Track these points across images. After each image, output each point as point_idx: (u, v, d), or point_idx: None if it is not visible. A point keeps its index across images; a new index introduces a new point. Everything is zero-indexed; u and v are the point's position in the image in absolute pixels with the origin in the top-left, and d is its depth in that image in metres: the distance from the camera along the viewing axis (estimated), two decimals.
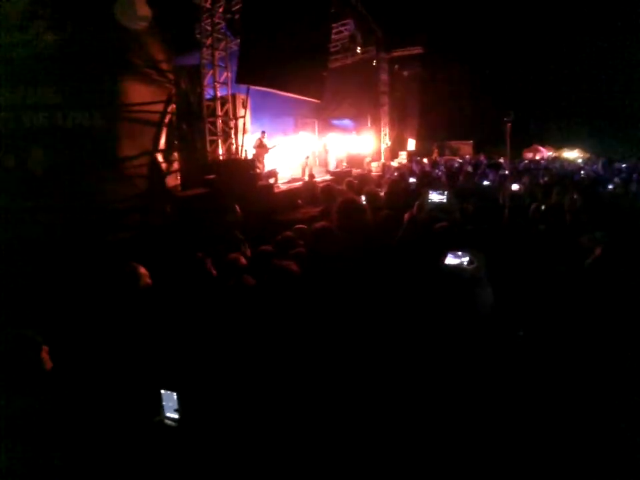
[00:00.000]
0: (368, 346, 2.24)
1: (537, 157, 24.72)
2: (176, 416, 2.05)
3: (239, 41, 10.98)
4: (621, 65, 25.42)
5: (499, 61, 25.77)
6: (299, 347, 2.21)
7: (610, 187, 8.35)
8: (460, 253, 2.28)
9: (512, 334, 2.63)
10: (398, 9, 17.91)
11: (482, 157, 19.46)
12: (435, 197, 3.33)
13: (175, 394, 2.04)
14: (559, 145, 27.89)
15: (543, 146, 27.91)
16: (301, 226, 4.41)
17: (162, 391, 2.06)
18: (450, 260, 2.27)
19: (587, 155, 24.57)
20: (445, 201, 3.32)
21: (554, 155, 26.35)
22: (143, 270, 2.83)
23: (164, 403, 2.07)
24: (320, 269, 2.61)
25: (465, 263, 2.27)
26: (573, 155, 26.05)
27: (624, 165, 14.17)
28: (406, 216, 3.45)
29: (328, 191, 5.93)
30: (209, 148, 10.69)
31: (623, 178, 9.75)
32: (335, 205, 3.39)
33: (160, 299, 2.68)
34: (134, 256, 3.13)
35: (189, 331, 2.43)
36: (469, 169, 13.23)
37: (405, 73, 22.05)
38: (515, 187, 5.85)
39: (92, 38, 7.15)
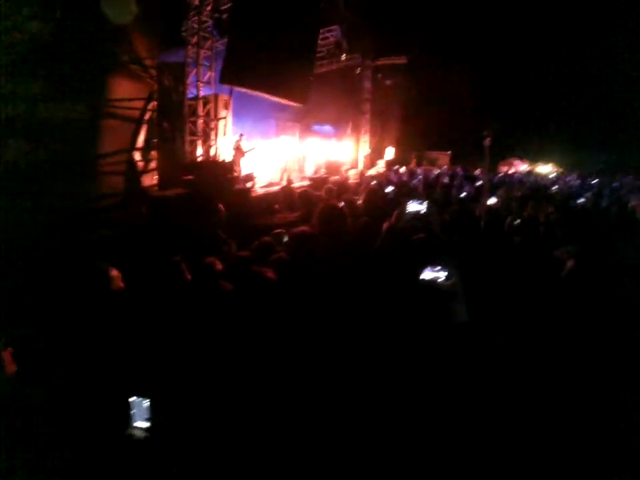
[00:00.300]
0: (345, 354, 2.24)
1: (512, 171, 25.24)
2: (146, 425, 2.00)
3: (225, 40, 10.93)
4: (607, 80, 26.25)
5: (482, 75, 26.28)
6: (276, 355, 2.19)
7: (580, 200, 8.54)
8: (438, 268, 2.30)
9: (490, 345, 2.66)
10: (385, 17, 18.11)
11: (459, 169, 19.78)
12: (414, 206, 3.34)
13: (145, 401, 1.99)
14: (537, 158, 28.63)
15: (520, 159, 28.58)
16: (279, 230, 4.39)
17: (131, 399, 2.00)
18: (427, 274, 2.28)
19: (561, 170, 25.32)
20: (423, 210, 3.34)
21: (528, 168, 27.04)
22: (115, 272, 2.74)
23: (133, 412, 2.01)
24: (299, 275, 2.59)
25: (443, 278, 2.29)
26: (546, 169, 26.80)
27: (595, 181, 14.63)
28: (385, 225, 3.46)
29: (305, 196, 5.93)
30: (188, 148, 10.56)
31: (594, 193, 10.04)
32: (315, 210, 3.39)
33: (133, 303, 2.62)
34: (108, 257, 3.04)
35: (161, 337, 2.37)
36: (446, 179, 13.39)
37: (388, 82, 22.25)
38: (491, 200, 5.94)
39: (78, 29, 6.95)
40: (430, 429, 2.11)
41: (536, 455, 2.13)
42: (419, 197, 3.82)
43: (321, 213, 3.31)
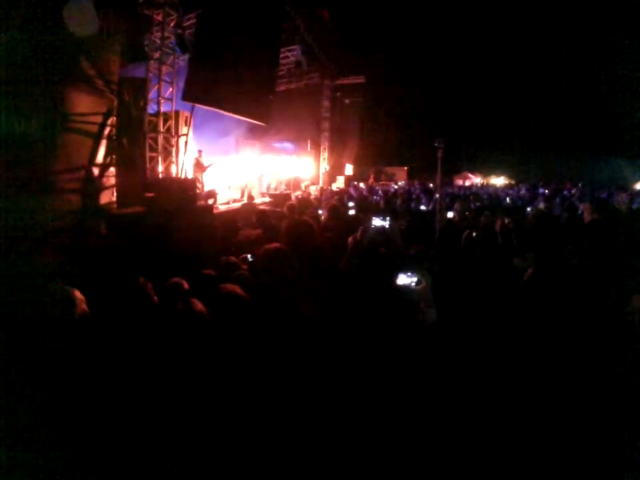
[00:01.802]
0: (323, 366, 2.27)
1: (467, 184, 26.06)
2: None
3: (186, 57, 10.94)
4: (548, 100, 27.81)
5: (434, 94, 27.29)
6: (255, 377, 2.19)
7: (529, 209, 8.81)
8: (409, 274, 2.41)
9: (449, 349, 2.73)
10: (343, 39, 18.54)
11: (416, 184, 20.34)
12: (378, 222, 3.46)
13: None
14: (489, 172, 29.92)
15: (472, 173, 29.67)
16: (244, 255, 4.36)
17: None
18: (401, 279, 2.39)
19: (512, 182, 26.47)
20: (387, 226, 3.45)
21: (482, 181, 28.07)
22: (78, 294, 2.53)
23: None
24: (272, 293, 2.60)
25: (414, 284, 2.40)
26: (499, 181, 27.96)
27: (546, 190, 15.27)
28: (350, 240, 3.52)
29: (263, 216, 5.94)
30: (148, 165, 10.36)
31: (546, 201, 10.42)
32: (282, 225, 3.40)
33: (98, 328, 2.46)
34: (67, 280, 2.83)
35: (133, 363, 2.27)
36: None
37: (347, 101, 22.69)
38: (450, 214, 6.12)
39: (36, 40, 6.74)
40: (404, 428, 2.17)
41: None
42: (381, 213, 3.94)
43: (288, 228, 3.30)
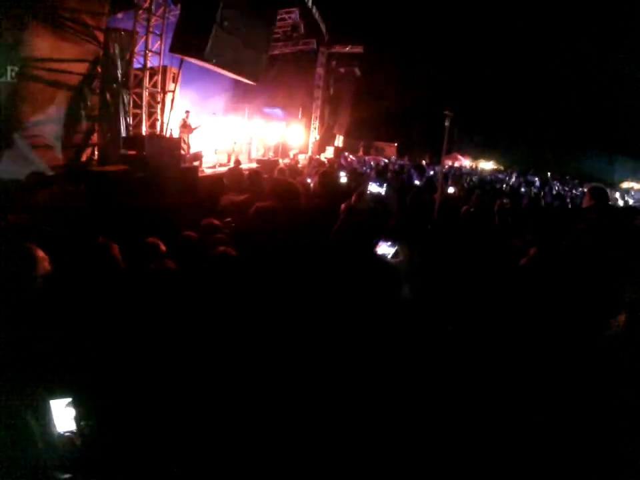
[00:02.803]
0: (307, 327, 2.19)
1: (456, 165, 26.08)
2: (74, 428, 1.75)
3: (177, 12, 10.39)
4: (541, 94, 27.79)
5: (430, 74, 26.96)
6: (239, 333, 2.09)
7: (522, 189, 9.16)
8: (389, 244, 2.36)
9: (441, 328, 2.72)
10: (344, 6, 17.96)
11: (406, 159, 20.26)
12: (374, 188, 3.30)
13: (67, 402, 1.75)
14: (476, 155, 30.03)
15: (462, 155, 29.67)
16: (228, 220, 4.20)
17: (52, 401, 1.75)
18: (380, 249, 2.33)
19: (501, 167, 26.58)
20: (383, 192, 3.30)
21: (471, 164, 28.15)
22: (40, 253, 2.40)
23: (55, 414, 1.75)
24: (263, 251, 2.48)
25: (390, 255, 2.36)
26: (488, 165, 28.05)
27: (536, 179, 15.34)
28: (343, 206, 3.38)
29: (256, 176, 5.71)
30: (131, 121, 9.93)
31: (536, 191, 10.59)
32: (269, 185, 3.30)
33: (61, 287, 2.34)
34: (38, 240, 2.68)
35: (93, 324, 2.14)
36: (396, 167, 13.55)
37: (342, 70, 22.18)
38: (450, 189, 6.01)
39: None
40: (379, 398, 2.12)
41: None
42: (378, 181, 3.77)
43: (274, 188, 3.20)
